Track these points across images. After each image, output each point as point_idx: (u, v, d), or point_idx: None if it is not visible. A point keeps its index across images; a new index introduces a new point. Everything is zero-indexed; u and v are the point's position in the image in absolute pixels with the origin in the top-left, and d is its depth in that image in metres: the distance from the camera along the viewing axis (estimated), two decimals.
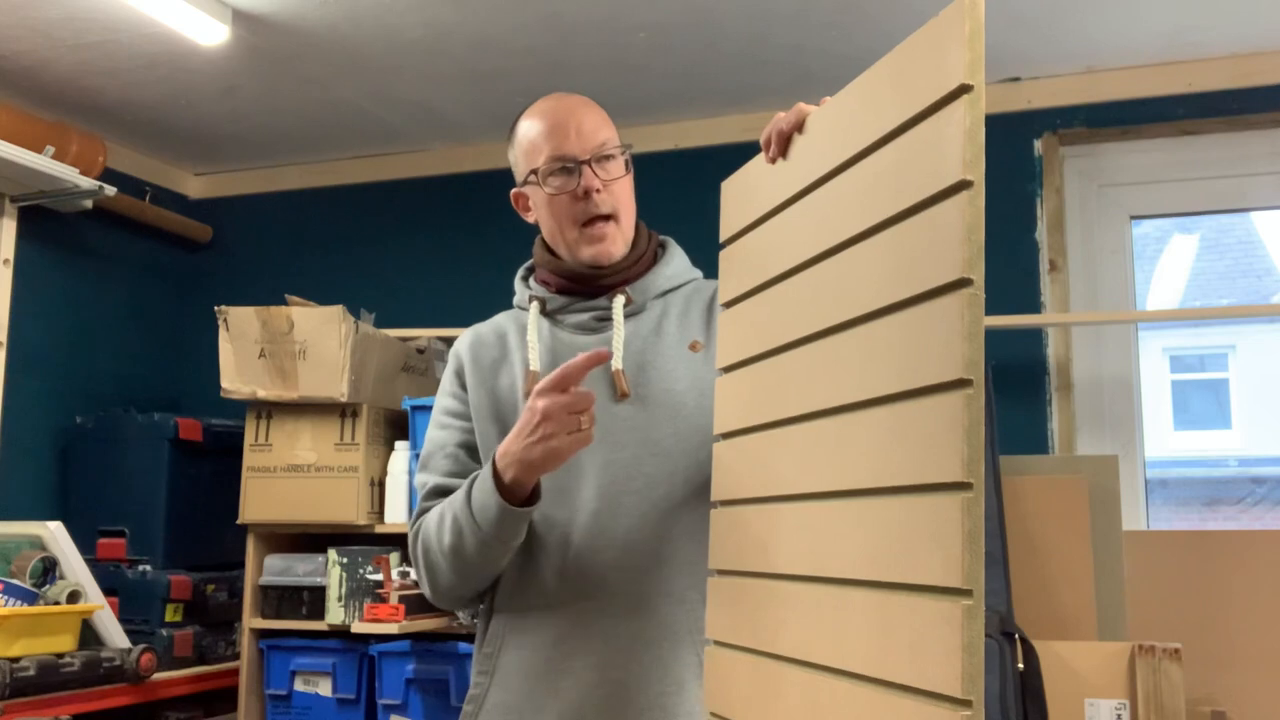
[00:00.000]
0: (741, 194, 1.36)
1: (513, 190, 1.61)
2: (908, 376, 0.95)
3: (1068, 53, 2.81)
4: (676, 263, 1.62)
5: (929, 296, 0.93)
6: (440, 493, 1.56)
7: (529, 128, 1.55)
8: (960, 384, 0.88)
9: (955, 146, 0.90)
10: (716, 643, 1.29)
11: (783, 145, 1.25)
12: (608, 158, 1.52)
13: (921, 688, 0.88)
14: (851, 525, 1.02)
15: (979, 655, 0.83)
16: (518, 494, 1.40)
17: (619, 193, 1.54)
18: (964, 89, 0.90)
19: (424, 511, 1.56)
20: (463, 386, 1.59)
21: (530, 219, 1.61)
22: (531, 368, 1.52)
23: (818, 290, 1.13)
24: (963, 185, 0.90)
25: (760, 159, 1.30)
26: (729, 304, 1.36)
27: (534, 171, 1.53)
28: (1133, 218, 2.96)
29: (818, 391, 1.10)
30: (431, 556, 1.50)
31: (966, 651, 0.83)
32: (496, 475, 1.40)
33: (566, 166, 1.50)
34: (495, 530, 1.41)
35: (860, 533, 1.00)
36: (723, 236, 1.39)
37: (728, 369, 1.35)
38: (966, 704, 0.83)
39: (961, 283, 0.89)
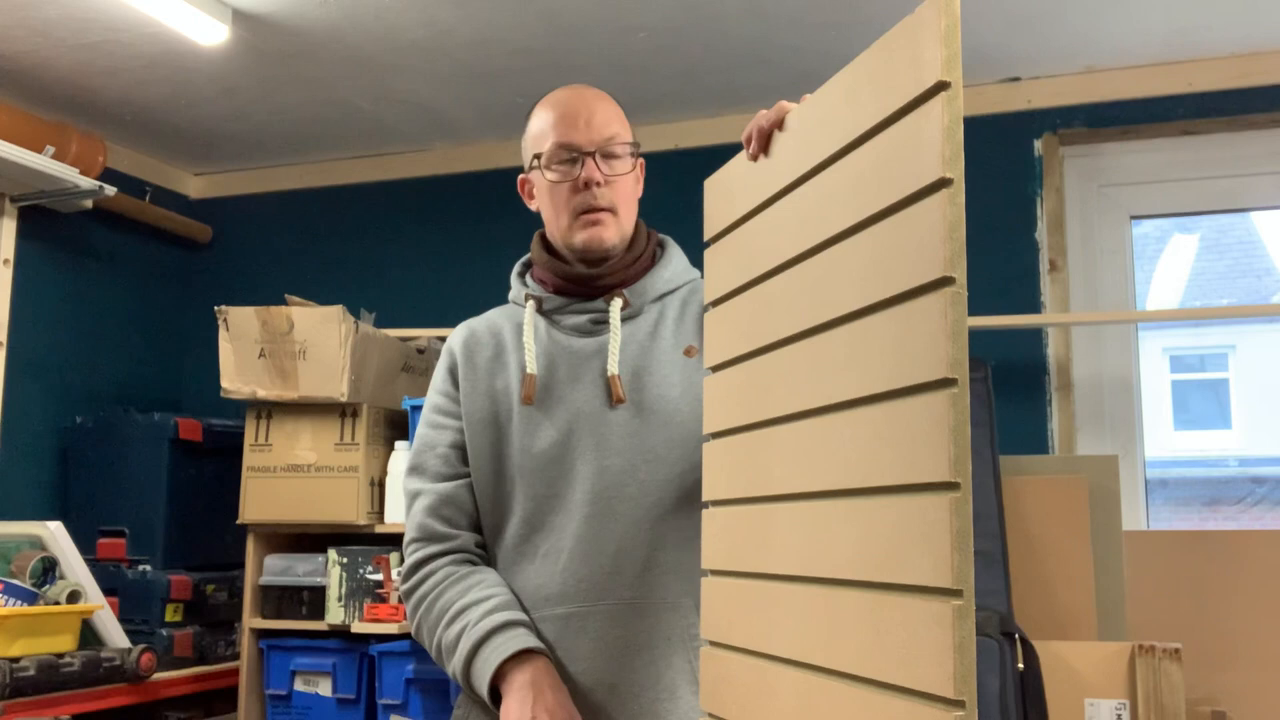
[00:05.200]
0: (725, 192, 1.35)
1: (519, 176, 1.60)
2: (892, 376, 0.94)
3: (1068, 53, 2.81)
4: (675, 264, 1.60)
5: (911, 295, 0.93)
6: (431, 538, 1.52)
7: (541, 115, 1.54)
8: (945, 383, 0.87)
9: (934, 144, 0.90)
10: (711, 643, 1.29)
11: (764, 142, 1.25)
12: (614, 154, 1.51)
13: (914, 688, 0.88)
14: (842, 525, 1.01)
15: (971, 655, 0.84)
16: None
17: (620, 189, 1.52)
18: (941, 86, 0.89)
19: (418, 571, 1.52)
20: (455, 385, 1.57)
21: (533, 207, 1.59)
22: (529, 371, 1.51)
23: (802, 289, 1.13)
24: (943, 183, 0.89)
25: (742, 156, 1.29)
26: (715, 303, 1.35)
27: (537, 156, 1.51)
28: (1133, 218, 2.96)
29: (804, 391, 1.10)
30: (425, 646, 1.51)
31: (958, 651, 0.83)
32: (493, 687, 1.39)
33: (571, 156, 1.49)
34: (471, 691, 1.43)
35: (850, 533, 1.00)
36: (706, 235, 1.39)
37: (715, 368, 1.34)
38: (959, 704, 0.83)
39: (944, 281, 0.88)
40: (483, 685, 1.39)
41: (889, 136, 0.98)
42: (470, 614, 1.44)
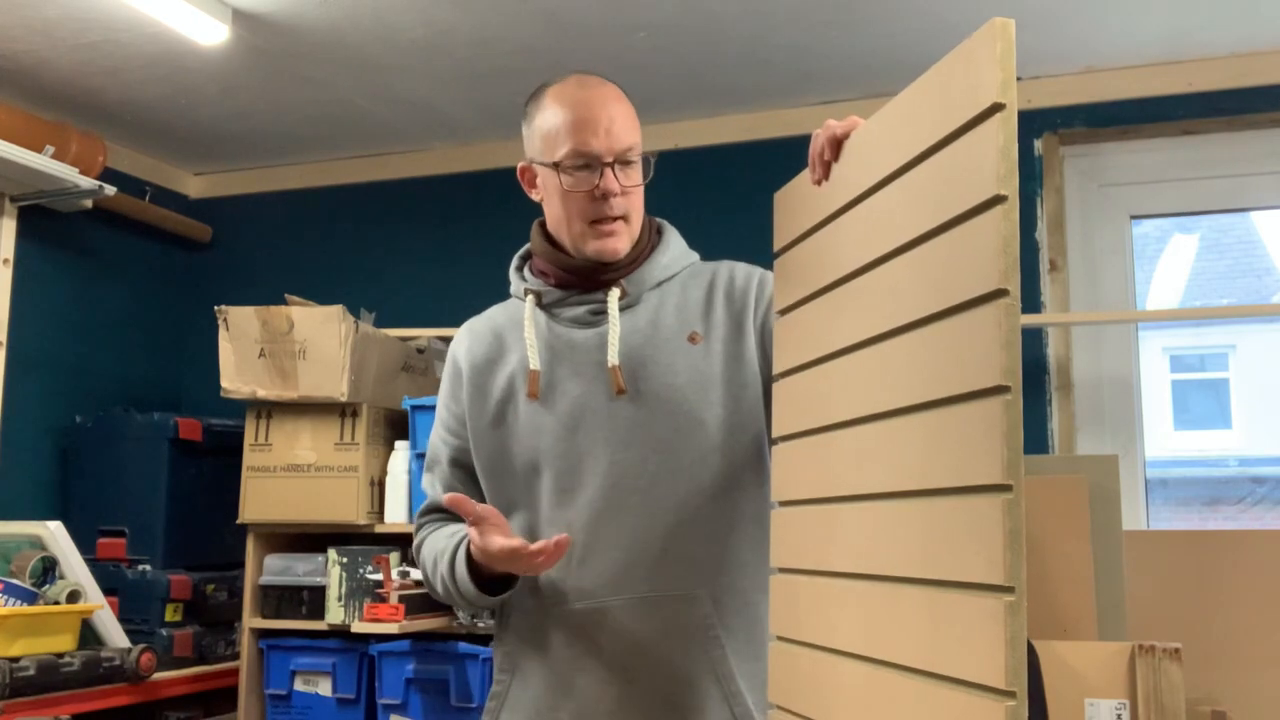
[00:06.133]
0: (793, 205, 1.41)
1: (520, 163, 1.58)
2: (949, 383, 0.99)
3: (1068, 53, 2.81)
4: (673, 249, 1.60)
5: (968, 306, 0.98)
6: (435, 509, 1.62)
7: (555, 111, 1.50)
8: (999, 390, 0.92)
9: (990, 163, 0.95)
10: (779, 638, 1.34)
11: (826, 170, 1.29)
12: (630, 163, 1.50)
13: (969, 680, 0.93)
14: (902, 525, 1.07)
15: (1022, 649, 0.88)
16: (494, 574, 1.47)
17: (633, 197, 1.52)
18: (996, 107, 0.94)
19: (420, 529, 1.62)
20: (457, 399, 1.60)
21: (535, 196, 1.58)
22: (532, 367, 1.52)
23: (864, 300, 1.18)
24: (998, 200, 0.94)
25: (807, 174, 1.34)
26: (783, 311, 1.40)
27: (556, 164, 1.49)
28: (1133, 218, 2.96)
29: (867, 397, 1.16)
30: (432, 587, 1.58)
31: (1010, 645, 0.88)
32: (472, 561, 1.46)
33: (588, 163, 1.48)
34: (477, 602, 1.50)
35: (910, 532, 1.05)
36: (776, 246, 1.44)
37: (783, 374, 1.39)
38: (1011, 695, 0.88)
39: (999, 293, 0.93)
40: (465, 574, 1.48)
41: (947, 155, 1.03)
42: (444, 543, 1.55)
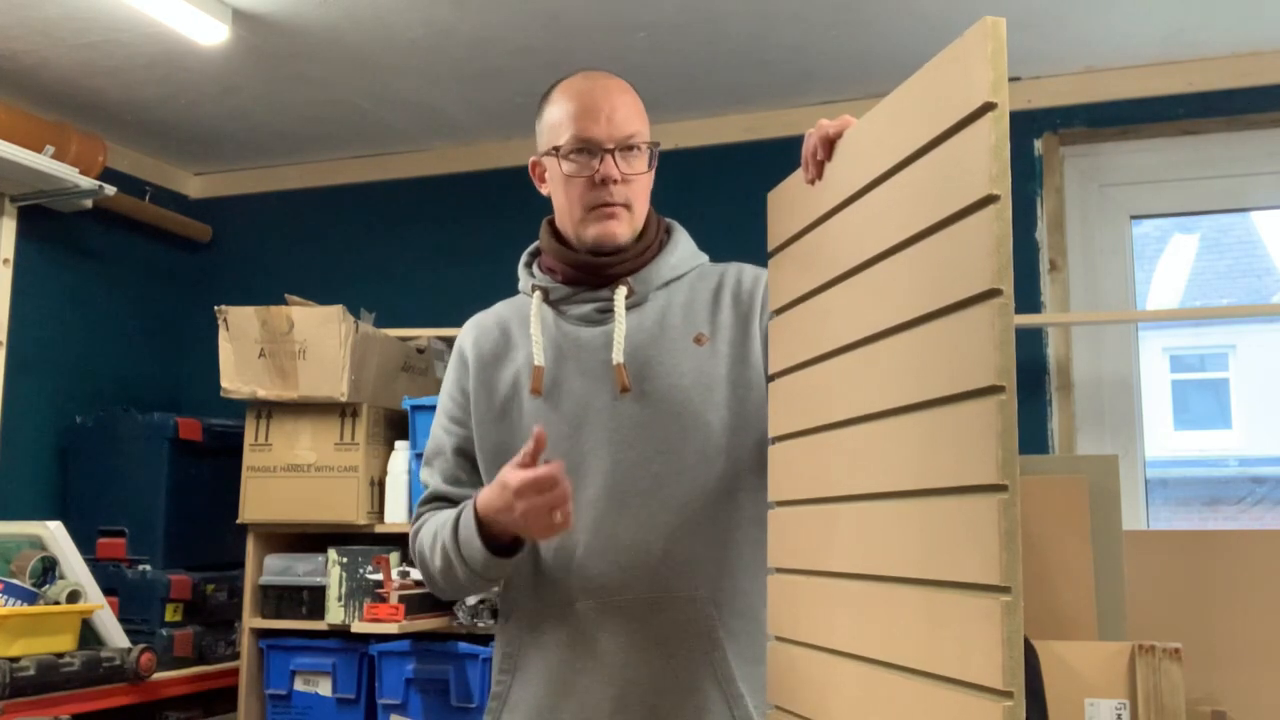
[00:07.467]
0: (786, 205, 1.41)
1: (531, 157, 1.59)
2: (943, 383, 0.99)
3: (1068, 53, 2.81)
4: (681, 249, 1.60)
5: (961, 306, 0.97)
6: (437, 498, 1.59)
7: (559, 103, 1.52)
8: (993, 390, 0.92)
9: (982, 162, 0.94)
10: (778, 638, 1.34)
11: (819, 170, 1.28)
12: (632, 149, 1.50)
13: (966, 680, 0.93)
14: (898, 525, 1.07)
15: (1019, 649, 0.88)
16: (501, 538, 1.43)
17: (636, 186, 1.52)
18: (988, 106, 0.94)
19: (420, 516, 1.59)
20: (463, 389, 1.59)
21: (544, 191, 1.59)
22: (536, 363, 1.51)
23: (858, 300, 1.18)
24: (990, 199, 0.93)
25: (801, 173, 1.34)
26: (778, 311, 1.40)
27: (556, 148, 1.50)
28: (1133, 218, 2.95)
29: (862, 397, 1.16)
30: (427, 569, 1.55)
31: (1007, 645, 0.88)
32: (480, 521, 1.42)
33: (589, 149, 1.48)
34: (481, 569, 1.45)
35: (906, 533, 1.05)
36: (770, 246, 1.44)
37: (779, 374, 1.39)
38: (1008, 695, 0.88)
39: (992, 293, 0.93)
40: (473, 534, 1.43)
41: (939, 154, 1.03)
42: (446, 515, 1.52)
